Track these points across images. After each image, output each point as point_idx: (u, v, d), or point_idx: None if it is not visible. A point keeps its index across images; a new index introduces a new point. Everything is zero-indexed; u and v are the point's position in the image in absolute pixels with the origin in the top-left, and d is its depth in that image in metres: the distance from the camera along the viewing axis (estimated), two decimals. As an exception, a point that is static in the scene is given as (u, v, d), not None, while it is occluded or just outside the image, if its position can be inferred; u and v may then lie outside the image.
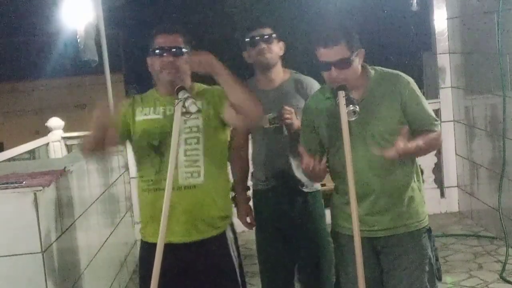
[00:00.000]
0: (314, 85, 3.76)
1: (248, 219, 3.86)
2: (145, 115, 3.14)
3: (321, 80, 3.32)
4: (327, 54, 3.01)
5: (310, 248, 3.80)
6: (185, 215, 3.05)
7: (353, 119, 2.97)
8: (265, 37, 3.71)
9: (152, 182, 3.08)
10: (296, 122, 3.58)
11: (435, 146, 3.38)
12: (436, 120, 3.18)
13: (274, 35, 3.74)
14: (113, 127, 2.98)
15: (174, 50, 3.10)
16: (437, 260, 3.20)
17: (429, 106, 3.20)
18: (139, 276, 3.30)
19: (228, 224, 3.22)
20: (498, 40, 5.52)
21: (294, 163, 3.73)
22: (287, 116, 3.59)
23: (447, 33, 6.97)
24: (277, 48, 3.75)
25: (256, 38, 3.71)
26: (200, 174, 3.06)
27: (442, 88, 7.03)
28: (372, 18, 12.27)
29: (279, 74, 3.79)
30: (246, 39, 3.75)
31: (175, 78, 3.09)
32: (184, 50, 3.10)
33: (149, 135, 3.10)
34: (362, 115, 3.01)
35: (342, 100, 2.97)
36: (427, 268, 3.13)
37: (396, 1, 10.47)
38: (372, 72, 3.14)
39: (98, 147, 3.04)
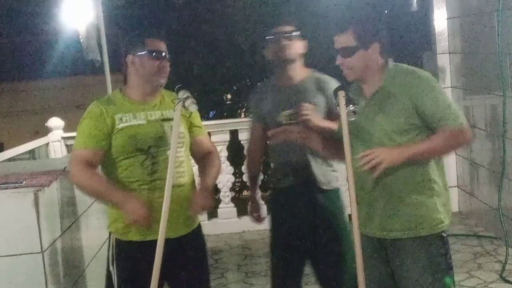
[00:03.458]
0: (332, 84, 3.72)
1: (258, 214, 4.01)
2: (127, 122, 3.23)
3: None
4: (336, 41, 3.04)
5: (331, 247, 3.77)
6: (175, 212, 3.17)
7: (353, 119, 2.96)
8: (286, 34, 3.72)
9: (146, 183, 3.20)
10: (315, 119, 3.56)
11: (452, 145, 3.02)
12: (455, 115, 2.96)
13: (295, 33, 3.74)
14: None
15: (167, 55, 3.27)
16: (448, 268, 3.05)
17: (450, 102, 3.02)
18: (121, 275, 3.26)
19: (199, 221, 3.45)
20: (498, 40, 5.52)
21: (313, 161, 3.72)
22: (305, 112, 3.57)
23: (447, 33, 6.97)
24: (297, 46, 3.74)
25: (277, 34, 3.71)
26: (185, 174, 3.26)
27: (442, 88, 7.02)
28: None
29: (299, 72, 3.78)
30: (268, 37, 3.76)
31: (164, 82, 3.28)
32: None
33: (137, 141, 3.20)
34: (371, 111, 3.00)
35: (342, 100, 2.97)
36: (435, 276, 3.02)
37: (396, 1, 10.46)
38: (391, 68, 3.06)
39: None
